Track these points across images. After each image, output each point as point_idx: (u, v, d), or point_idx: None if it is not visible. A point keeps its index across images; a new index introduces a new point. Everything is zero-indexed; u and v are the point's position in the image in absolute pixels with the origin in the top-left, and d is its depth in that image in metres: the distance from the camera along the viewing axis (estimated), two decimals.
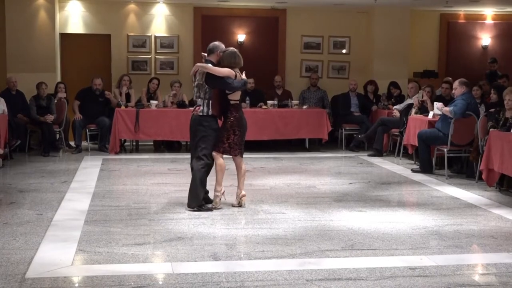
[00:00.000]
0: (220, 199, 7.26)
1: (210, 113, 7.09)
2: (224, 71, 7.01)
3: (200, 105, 7.12)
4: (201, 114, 7.09)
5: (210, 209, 7.11)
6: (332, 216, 6.98)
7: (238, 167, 7.40)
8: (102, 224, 6.47)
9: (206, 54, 7.28)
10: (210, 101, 7.06)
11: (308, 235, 6.13)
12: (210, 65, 7.06)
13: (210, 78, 7.00)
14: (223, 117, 7.23)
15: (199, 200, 7.12)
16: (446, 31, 15.04)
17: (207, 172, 7.26)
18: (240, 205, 7.32)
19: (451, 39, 15.05)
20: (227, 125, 7.14)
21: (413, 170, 10.03)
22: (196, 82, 7.15)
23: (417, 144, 10.27)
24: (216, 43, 7.32)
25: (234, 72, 7.10)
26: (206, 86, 7.05)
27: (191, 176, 7.25)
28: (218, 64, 7.14)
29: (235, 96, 7.18)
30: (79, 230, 6.15)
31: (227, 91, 7.12)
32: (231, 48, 7.33)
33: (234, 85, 7.06)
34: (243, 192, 7.38)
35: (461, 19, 15.11)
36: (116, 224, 6.45)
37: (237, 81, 7.10)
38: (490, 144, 8.47)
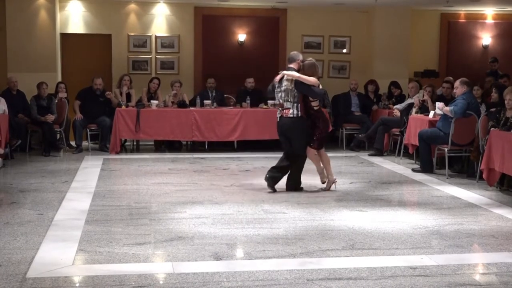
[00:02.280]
0: (331, 186, 8.39)
1: (299, 115, 8.02)
2: (312, 80, 7.97)
3: (289, 108, 8.01)
4: (291, 116, 8.01)
5: (301, 189, 8.34)
6: (333, 215, 6.98)
7: (324, 156, 8.34)
8: (103, 224, 6.47)
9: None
10: (299, 105, 7.99)
11: (308, 235, 6.13)
12: (297, 73, 7.97)
13: (299, 84, 7.94)
14: (308, 117, 8.14)
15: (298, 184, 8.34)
16: (446, 31, 15.04)
17: (301, 165, 8.37)
18: (329, 189, 8.39)
19: (452, 38, 15.06)
20: (315, 123, 8.15)
21: (413, 170, 10.03)
22: (284, 87, 8.02)
23: (417, 144, 10.27)
24: (296, 52, 8.31)
25: (318, 82, 8.09)
26: (295, 91, 7.95)
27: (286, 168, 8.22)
28: (298, 72, 8.04)
29: (316, 102, 8.15)
30: (79, 230, 6.15)
31: (310, 98, 8.05)
32: (310, 59, 8.27)
33: (317, 93, 8.08)
34: (334, 177, 8.47)
35: (461, 19, 15.12)
36: (117, 224, 6.46)
37: (319, 89, 8.12)
38: (490, 144, 8.47)
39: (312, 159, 8.31)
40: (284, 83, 8.02)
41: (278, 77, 8.13)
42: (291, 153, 8.19)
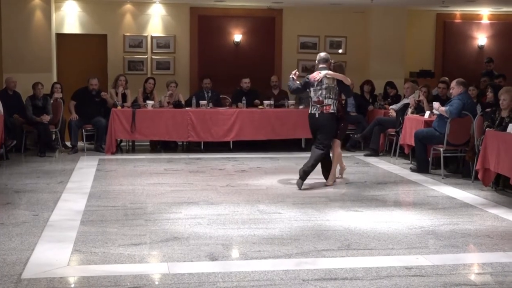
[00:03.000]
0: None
1: (336, 111, 8.72)
2: (349, 80, 8.74)
3: (330, 105, 8.61)
4: (332, 112, 8.65)
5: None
6: (329, 216, 6.99)
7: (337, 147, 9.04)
8: (98, 224, 6.46)
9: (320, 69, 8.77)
10: (336, 102, 8.68)
11: (304, 235, 6.14)
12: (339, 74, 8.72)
13: (340, 83, 8.65)
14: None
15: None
16: (442, 31, 15.07)
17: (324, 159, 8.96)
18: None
19: (448, 39, 15.08)
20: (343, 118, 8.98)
21: (411, 169, 10.04)
22: (325, 85, 8.60)
23: (413, 144, 10.28)
24: (326, 54, 8.96)
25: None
26: (337, 88, 8.64)
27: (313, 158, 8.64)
28: None
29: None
30: (75, 231, 6.15)
31: (343, 95, 8.90)
32: (339, 62, 9.37)
33: (352, 92, 9.39)
34: (344, 164, 9.47)
35: (457, 19, 15.14)
36: (112, 225, 6.45)
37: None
38: (486, 144, 8.49)
39: (338, 158, 9.05)
40: (326, 81, 8.59)
41: (317, 77, 8.61)
42: (322, 144, 8.72)
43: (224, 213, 7.05)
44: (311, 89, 8.68)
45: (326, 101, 8.59)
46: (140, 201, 7.63)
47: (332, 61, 8.92)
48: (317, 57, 8.90)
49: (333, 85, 8.61)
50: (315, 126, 8.71)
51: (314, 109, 8.65)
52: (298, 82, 8.91)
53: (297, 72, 8.99)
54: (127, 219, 6.71)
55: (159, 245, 5.74)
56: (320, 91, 8.60)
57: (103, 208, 7.19)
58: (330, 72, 8.65)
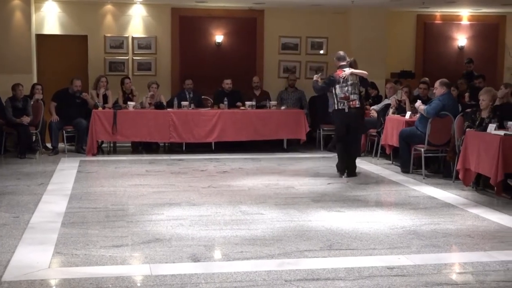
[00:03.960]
0: None
1: (361, 105, 9.84)
2: (367, 74, 9.53)
3: (355, 100, 9.36)
4: (358, 106, 9.47)
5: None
6: (311, 216, 7.00)
7: None
8: (80, 226, 6.43)
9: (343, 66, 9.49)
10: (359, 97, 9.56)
11: (286, 236, 6.14)
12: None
13: (363, 80, 9.53)
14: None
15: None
16: (422, 32, 15.14)
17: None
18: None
19: (428, 39, 15.16)
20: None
21: (403, 171, 10.03)
22: (350, 82, 9.33)
23: (394, 144, 10.33)
24: (344, 52, 9.69)
25: None
26: (359, 84, 9.48)
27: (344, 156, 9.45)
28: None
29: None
30: (56, 233, 6.11)
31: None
32: (353, 58, 9.84)
33: (369, 83, 10.41)
34: None
35: (437, 20, 15.24)
36: (93, 226, 6.42)
37: None
38: (466, 144, 8.55)
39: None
40: (350, 77, 9.35)
41: (343, 74, 9.32)
42: (356, 139, 9.72)
43: (206, 214, 7.04)
44: (337, 86, 9.38)
45: (352, 97, 9.35)
46: (122, 202, 7.60)
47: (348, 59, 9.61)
48: (337, 55, 9.62)
49: (356, 81, 9.41)
50: (347, 120, 9.39)
51: (341, 104, 9.37)
52: (319, 82, 9.62)
53: (321, 75, 10.00)
54: (108, 221, 6.68)
55: (141, 246, 5.72)
56: (346, 88, 9.34)
57: (84, 210, 7.15)
58: (354, 70, 9.42)
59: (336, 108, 9.47)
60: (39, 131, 11.82)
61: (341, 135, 9.58)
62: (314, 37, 14.49)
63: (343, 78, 9.34)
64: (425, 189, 8.67)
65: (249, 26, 14.25)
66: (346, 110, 9.36)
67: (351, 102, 9.36)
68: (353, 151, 9.70)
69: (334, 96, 9.46)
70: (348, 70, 9.37)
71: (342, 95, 9.35)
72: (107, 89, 12.38)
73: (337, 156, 9.81)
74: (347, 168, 9.54)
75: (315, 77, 9.70)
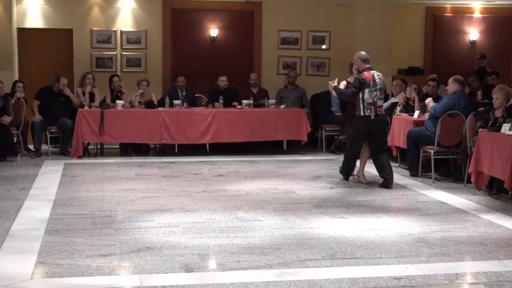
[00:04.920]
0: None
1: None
2: None
3: (382, 106, 9.19)
4: (383, 113, 9.34)
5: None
6: (312, 223, 7.00)
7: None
8: (64, 234, 6.42)
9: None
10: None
11: (286, 244, 6.14)
12: None
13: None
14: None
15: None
16: (432, 25, 15.16)
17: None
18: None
19: (437, 33, 15.17)
20: None
21: (411, 175, 10.04)
22: (379, 86, 9.07)
23: (401, 145, 10.34)
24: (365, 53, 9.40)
25: None
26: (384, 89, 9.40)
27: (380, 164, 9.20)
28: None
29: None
30: (39, 241, 6.10)
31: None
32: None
33: None
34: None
35: (447, 13, 15.25)
36: (79, 234, 6.41)
37: None
38: (479, 145, 8.55)
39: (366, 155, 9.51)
40: (378, 81, 9.09)
41: (371, 77, 9.03)
42: (383, 149, 9.36)
43: (200, 221, 7.04)
44: (366, 90, 9.01)
45: (379, 102, 9.10)
46: (110, 208, 7.59)
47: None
48: (362, 57, 9.22)
49: (384, 86, 9.29)
50: (371, 127, 9.11)
51: (368, 110, 9.03)
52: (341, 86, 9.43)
53: (339, 80, 9.52)
54: (95, 228, 6.67)
55: (130, 255, 5.72)
56: (375, 92, 9.05)
57: (69, 217, 7.15)
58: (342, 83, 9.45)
59: (362, 114, 9.05)
60: (20, 131, 11.79)
61: (360, 142, 9.32)
62: (316, 31, 14.49)
63: (373, 81, 9.05)
64: (435, 194, 8.67)
65: (246, 19, 14.25)
66: (372, 117, 9.04)
67: (377, 109, 9.09)
68: (385, 161, 9.23)
69: (361, 101, 9.02)
70: (375, 72, 9.13)
71: (370, 100, 9.01)
72: (93, 86, 12.37)
73: (345, 161, 9.53)
74: (386, 179, 9.15)
75: (333, 83, 9.27)
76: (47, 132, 11.96)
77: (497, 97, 8.78)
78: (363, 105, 9.03)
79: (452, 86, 9.74)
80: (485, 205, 8.04)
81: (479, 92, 11.62)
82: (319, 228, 6.79)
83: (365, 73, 9.07)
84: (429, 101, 9.83)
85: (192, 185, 9.15)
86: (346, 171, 9.58)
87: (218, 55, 14.09)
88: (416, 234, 6.59)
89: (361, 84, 8.99)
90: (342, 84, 9.54)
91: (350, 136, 9.56)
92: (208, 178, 9.75)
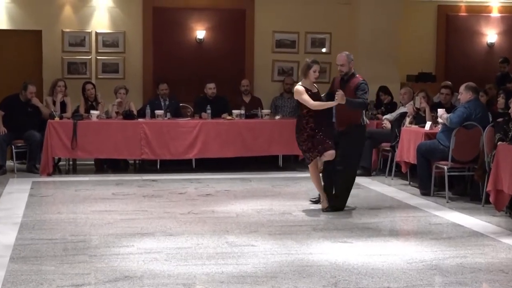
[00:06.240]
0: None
1: None
2: None
3: None
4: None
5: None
6: (312, 248, 7.00)
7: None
8: (32, 261, 6.40)
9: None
10: None
11: (282, 272, 6.14)
12: None
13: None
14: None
15: None
16: (444, 26, 15.21)
17: None
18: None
19: (451, 35, 15.22)
20: None
21: (422, 193, 10.04)
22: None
23: (411, 161, 10.35)
24: None
25: None
26: None
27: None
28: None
29: None
30: (3, 269, 6.08)
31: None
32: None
33: None
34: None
35: (462, 12, 15.31)
36: (49, 262, 6.39)
37: None
38: (498, 160, 8.56)
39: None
40: None
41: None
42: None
43: (185, 246, 7.03)
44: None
45: None
46: (83, 232, 7.58)
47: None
48: (351, 56, 9.27)
49: None
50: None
51: (365, 118, 9.29)
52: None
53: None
54: (67, 255, 6.66)
55: (107, 286, 5.70)
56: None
57: (37, 242, 7.13)
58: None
59: (364, 123, 9.11)
60: None
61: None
62: (315, 32, 14.54)
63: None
64: (449, 215, 8.68)
65: (236, 19, 14.28)
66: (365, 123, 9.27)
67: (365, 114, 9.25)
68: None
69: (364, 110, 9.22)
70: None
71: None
72: (65, 95, 12.37)
73: (345, 184, 8.96)
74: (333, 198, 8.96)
75: (339, 95, 8.65)
76: (13, 147, 11.95)
77: None
78: (364, 112, 9.19)
79: (465, 95, 9.75)
80: (505, 227, 8.05)
81: (501, 100, 11.46)
82: (320, 254, 6.79)
83: (358, 75, 9.13)
84: (442, 112, 9.82)
85: (177, 205, 9.15)
86: (345, 198, 9.04)
87: (206, 59, 14.10)
88: (428, 260, 6.59)
89: (367, 90, 8.98)
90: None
91: (350, 151, 8.88)
92: (195, 198, 9.74)
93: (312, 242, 7.27)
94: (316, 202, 9.18)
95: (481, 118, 9.64)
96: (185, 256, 6.66)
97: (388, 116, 12.08)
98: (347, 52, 9.25)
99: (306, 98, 8.78)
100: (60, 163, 12.50)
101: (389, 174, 11.55)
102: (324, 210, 8.77)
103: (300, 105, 8.99)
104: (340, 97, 8.63)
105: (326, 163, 8.84)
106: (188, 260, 6.52)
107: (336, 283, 5.85)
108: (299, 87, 8.95)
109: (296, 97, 8.97)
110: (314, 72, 9.02)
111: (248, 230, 7.77)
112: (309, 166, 8.89)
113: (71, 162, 12.43)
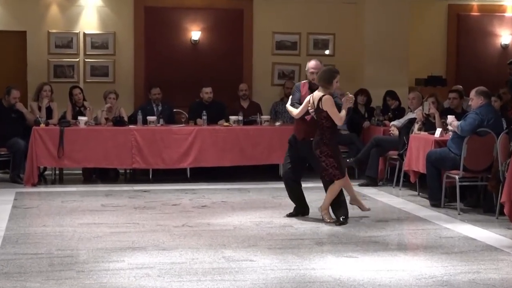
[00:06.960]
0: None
1: None
2: None
3: None
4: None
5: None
6: (314, 263, 7.00)
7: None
8: (16, 277, 6.39)
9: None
10: None
11: None
12: None
13: None
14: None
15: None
16: (455, 27, 15.24)
17: None
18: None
19: (462, 36, 15.25)
20: None
21: (431, 204, 10.05)
22: None
23: (420, 170, 10.34)
24: None
25: None
26: None
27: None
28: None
29: None
30: None
31: None
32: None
33: None
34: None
35: (474, 11, 15.34)
36: (33, 278, 6.39)
37: None
38: None
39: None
40: None
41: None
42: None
43: (179, 261, 7.03)
44: None
45: None
46: (70, 246, 7.57)
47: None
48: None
49: None
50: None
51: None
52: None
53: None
54: (53, 271, 6.65)
55: None
56: None
57: (21, 257, 7.12)
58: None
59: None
60: None
61: None
62: (318, 33, 14.57)
63: None
64: (461, 228, 8.68)
65: (234, 20, 14.31)
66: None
67: None
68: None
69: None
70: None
71: None
72: (51, 100, 12.38)
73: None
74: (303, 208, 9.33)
75: (351, 98, 8.98)
76: None
77: None
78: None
79: (476, 100, 9.74)
80: None
81: None
82: (323, 269, 6.79)
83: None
84: (451, 119, 9.80)
85: (170, 218, 9.15)
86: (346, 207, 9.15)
87: (201, 62, 14.13)
88: (439, 276, 6.59)
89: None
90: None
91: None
92: (189, 210, 9.74)
93: (314, 256, 7.27)
94: (292, 215, 9.25)
95: (494, 124, 9.63)
96: (179, 271, 6.65)
97: (395, 122, 12.09)
98: (319, 59, 9.52)
99: (336, 111, 8.64)
100: (46, 172, 12.51)
101: (397, 184, 11.55)
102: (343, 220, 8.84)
103: (321, 117, 8.69)
104: (351, 100, 8.87)
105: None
106: (182, 276, 6.51)
107: None
108: (329, 96, 8.67)
109: (325, 107, 8.61)
110: (337, 82, 8.88)
111: (246, 244, 7.77)
112: (338, 181, 8.81)
113: (57, 172, 12.43)
